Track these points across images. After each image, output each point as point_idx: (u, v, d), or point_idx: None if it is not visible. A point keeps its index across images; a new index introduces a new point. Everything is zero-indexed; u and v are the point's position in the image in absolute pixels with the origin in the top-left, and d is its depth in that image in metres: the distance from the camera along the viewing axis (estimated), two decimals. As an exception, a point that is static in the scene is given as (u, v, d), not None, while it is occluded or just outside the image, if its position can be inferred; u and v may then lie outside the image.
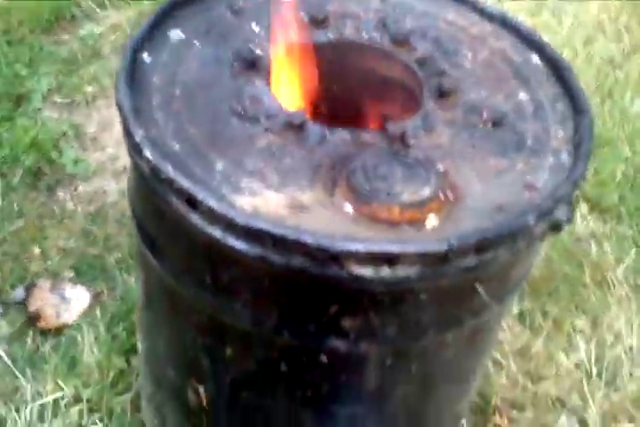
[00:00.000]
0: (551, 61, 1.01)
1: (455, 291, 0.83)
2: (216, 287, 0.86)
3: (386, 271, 0.76)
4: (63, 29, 2.20)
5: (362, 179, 0.81)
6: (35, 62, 2.06)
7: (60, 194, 1.74)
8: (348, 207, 0.81)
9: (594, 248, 1.67)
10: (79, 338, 1.41)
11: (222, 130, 0.87)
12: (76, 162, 1.81)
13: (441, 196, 0.82)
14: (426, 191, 0.80)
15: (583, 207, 1.77)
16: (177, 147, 0.84)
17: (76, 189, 1.76)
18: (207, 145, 0.85)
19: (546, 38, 2.17)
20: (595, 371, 1.45)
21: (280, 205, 0.79)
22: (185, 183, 0.77)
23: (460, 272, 0.79)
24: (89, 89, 2.00)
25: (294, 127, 0.87)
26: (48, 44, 2.13)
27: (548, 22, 2.32)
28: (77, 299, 1.48)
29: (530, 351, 1.47)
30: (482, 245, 0.77)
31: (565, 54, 2.17)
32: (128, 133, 0.83)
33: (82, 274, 1.56)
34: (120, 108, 0.85)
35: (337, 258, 0.75)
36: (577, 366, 1.47)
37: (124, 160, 1.79)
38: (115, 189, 1.74)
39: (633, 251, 1.69)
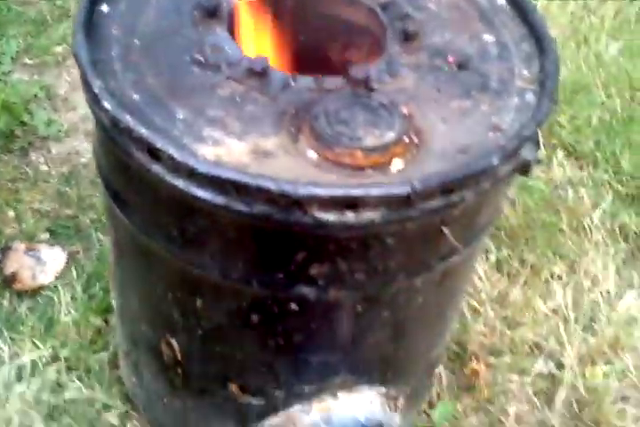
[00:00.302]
0: (516, 3, 0.99)
1: (422, 235, 0.83)
2: (183, 239, 0.85)
3: (350, 216, 0.76)
4: (30, -10, 2.16)
5: (324, 124, 0.80)
6: (2, 24, 2.01)
7: (33, 156, 1.72)
8: (312, 153, 0.80)
9: (570, 195, 1.67)
10: (56, 299, 1.40)
11: (183, 79, 0.86)
12: (48, 124, 1.78)
13: (405, 139, 0.81)
14: (390, 135, 0.80)
15: (560, 154, 1.76)
16: (136, 97, 0.83)
17: (49, 151, 1.74)
18: (168, 95, 0.84)
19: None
20: (572, 316, 1.46)
21: (243, 153, 0.79)
22: (145, 132, 0.76)
23: (425, 215, 0.78)
24: (58, 49, 1.97)
25: (256, 74, 0.86)
26: (15, 4, 2.09)
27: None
28: (53, 260, 1.47)
29: (507, 298, 1.48)
30: (445, 187, 0.77)
31: (540, 0, 2.15)
32: (86, 85, 0.81)
33: (57, 235, 1.55)
34: (77, 60, 0.83)
35: (300, 203, 0.74)
36: (554, 311, 1.48)
37: (96, 120, 1.76)
38: (87, 149, 1.71)
39: (609, 196, 1.69)
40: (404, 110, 0.85)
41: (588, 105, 1.86)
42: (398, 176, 0.79)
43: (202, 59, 0.88)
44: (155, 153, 0.76)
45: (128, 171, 0.84)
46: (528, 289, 1.49)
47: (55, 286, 1.43)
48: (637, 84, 1.94)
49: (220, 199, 0.76)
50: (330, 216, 0.75)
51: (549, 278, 1.52)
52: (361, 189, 0.74)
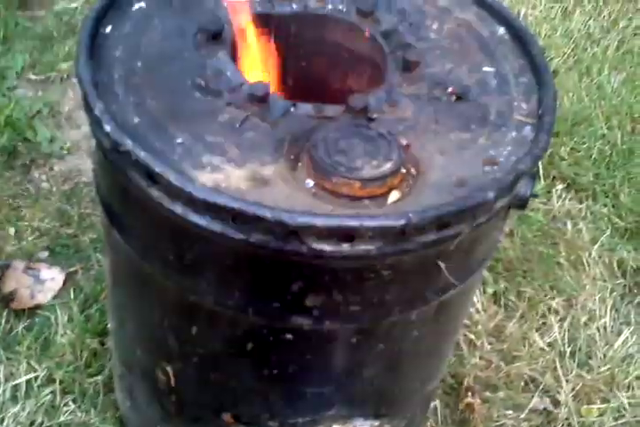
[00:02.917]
0: (517, 34, 1.00)
1: (418, 268, 0.83)
2: (180, 265, 0.85)
3: (346, 246, 0.76)
4: (39, 5, 2.17)
5: (323, 153, 0.80)
6: (9, 39, 2.03)
7: (35, 173, 1.72)
8: (310, 182, 0.80)
9: (569, 227, 1.67)
10: (52, 319, 1.40)
11: (184, 103, 0.86)
12: (51, 141, 1.79)
13: (403, 170, 0.81)
14: (387, 166, 0.80)
15: (559, 186, 1.76)
16: (137, 120, 0.83)
17: (51, 169, 1.74)
18: (168, 119, 0.84)
19: (524, 12, 2.18)
20: (568, 351, 1.46)
21: (241, 180, 0.79)
22: (144, 156, 0.76)
23: (420, 248, 0.78)
24: (64, 66, 1.98)
25: (257, 100, 0.86)
26: (23, 20, 2.10)
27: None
28: (52, 279, 1.47)
29: (504, 332, 1.47)
30: (441, 221, 0.77)
31: (544, 29, 2.16)
32: (88, 107, 0.82)
33: (56, 254, 1.55)
34: (80, 82, 0.83)
35: (296, 233, 0.74)
36: (550, 346, 1.47)
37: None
38: (89, 167, 1.72)
39: (608, 230, 1.69)
40: (403, 141, 0.85)
41: (589, 137, 1.86)
42: (394, 208, 0.79)
43: (203, 83, 0.88)
44: (153, 177, 0.76)
45: (127, 194, 0.84)
46: (525, 323, 1.49)
47: (52, 306, 1.43)
48: (639, 117, 1.95)
49: (216, 226, 0.76)
50: (326, 246, 0.75)
51: (546, 312, 1.52)
52: (357, 221, 0.74)
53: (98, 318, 1.40)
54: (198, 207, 0.76)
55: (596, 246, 1.64)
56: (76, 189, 1.69)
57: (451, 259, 0.84)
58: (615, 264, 1.63)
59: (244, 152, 0.82)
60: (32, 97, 1.90)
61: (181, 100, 0.86)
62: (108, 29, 0.92)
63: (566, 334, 1.49)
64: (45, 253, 1.55)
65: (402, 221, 0.74)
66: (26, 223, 1.59)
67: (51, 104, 1.88)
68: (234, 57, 0.93)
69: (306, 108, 0.87)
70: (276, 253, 0.77)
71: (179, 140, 0.81)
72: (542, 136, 0.85)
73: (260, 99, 0.86)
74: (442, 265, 0.84)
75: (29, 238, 1.56)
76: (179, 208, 0.77)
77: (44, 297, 1.45)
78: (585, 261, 1.61)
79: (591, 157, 1.83)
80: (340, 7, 1.01)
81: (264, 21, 0.97)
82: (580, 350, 1.48)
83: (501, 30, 1.01)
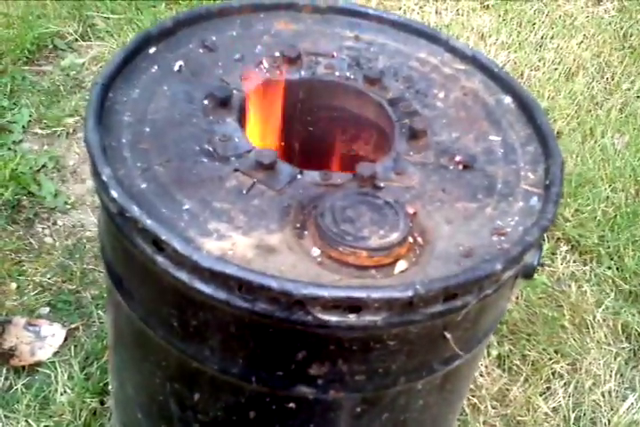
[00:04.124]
0: (523, 103, 1.01)
1: (424, 338, 0.82)
2: (184, 331, 0.84)
3: (352, 317, 0.75)
4: (45, 60, 2.20)
5: (330, 222, 0.80)
6: (16, 93, 2.05)
7: (39, 227, 1.72)
8: (316, 250, 0.80)
9: (573, 290, 1.66)
10: (52, 376, 1.38)
11: (191, 169, 0.86)
12: (55, 195, 1.80)
13: (410, 239, 0.81)
14: (394, 236, 0.80)
15: (564, 248, 1.76)
16: (144, 186, 0.83)
17: (54, 223, 1.74)
18: (175, 185, 0.84)
19: (527, 73, 2.21)
20: (573, 417, 1.43)
21: (247, 248, 0.78)
22: (150, 224, 0.76)
23: (427, 319, 0.78)
24: (70, 121, 1.99)
25: (264, 167, 0.86)
26: (30, 74, 2.13)
27: (530, 58, 2.34)
28: (52, 336, 1.46)
29: (508, 396, 1.45)
30: (448, 292, 0.76)
31: (547, 91, 2.18)
32: (95, 172, 0.82)
33: (58, 310, 1.54)
34: (88, 146, 0.84)
35: (302, 303, 0.74)
36: (555, 411, 1.45)
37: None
38: (93, 222, 1.72)
39: (612, 293, 1.68)
40: (410, 209, 0.85)
41: (593, 199, 1.87)
42: (401, 278, 0.78)
43: (211, 149, 0.89)
44: (159, 245, 0.76)
45: (131, 258, 0.84)
46: (529, 387, 1.47)
47: (53, 363, 1.41)
48: None
49: (222, 294, 0.76)
50: (332, 317, 0.75)
51: (551, 376, 1.50)
52: (363, 292, 0.73)
53: (98, 377, 1.39)
54: (204, 276, 0.75)
55: (600, 309, 1.62)
56: (79, 244, 1.69)
57: (457, 329, 0.84)
58: (620, 328, 1.62)
59: (250, 219, 0.81)
60: (37, 151, 1.91)
61: (189, 166, 0.86)
62: (117, 95, 0.93)
63: (571, 398, 1.47)
64: (47, 309, 1.54)
65: (409, 293, 0.73)
66: (28, 278, 1.59)
67: (56, 158, 1.90)
68: (242, 123, 0.93)
69: (313, 175, 0.87)
70: (281, 323, 0.77)
71: (186, 207, 0.81)
72: (549, 207, 0.85)
73: (266, 166, 0.86)
74: (448, 336, 0.83)
75: (31, 294, 1.55)
76: (184, 276, 0.76)
77: (44, 354, 1.44)
78: (589, 324, 1.60)
79: (595, 218, 1.83)
80: (348, 74, 1.02)
81: (273, 88, 0.98)
82: (584, 415, 1.45)
83: (507, 99, 1.02)
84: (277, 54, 1.02)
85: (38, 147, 1.94)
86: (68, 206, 1.78)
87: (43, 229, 1.73)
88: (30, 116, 1.99)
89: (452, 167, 0.92)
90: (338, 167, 1.07)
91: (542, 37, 2.39)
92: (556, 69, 2.26)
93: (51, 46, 2.22)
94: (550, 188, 0.88)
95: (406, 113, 0.98)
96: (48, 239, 1.70)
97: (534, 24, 2.45)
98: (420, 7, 2.47)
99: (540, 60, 2.30)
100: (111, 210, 0.81)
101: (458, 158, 0.92)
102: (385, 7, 2.46)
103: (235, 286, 0.74)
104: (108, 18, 2.32)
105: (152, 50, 1.00)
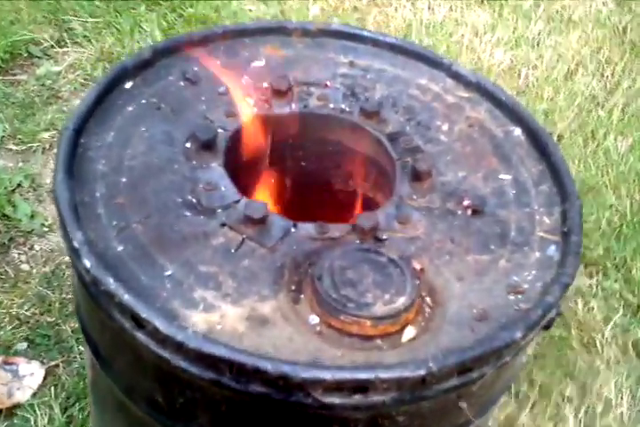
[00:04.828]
0: (533, 135, 0.92)
1: (437, 411, 0.74)
2: (170, 407, 0.76)
3: (357, 398, 0.67)
4: (20, 68, 2.09)
5: (328, 286, 0.72)
6: (-12, 106, 1.95)
7: (14, 253, 1.62)
8: (314, 318, 0.72)
9: (580, 306, 1.59)
10: (32, 421, 1.29)
11: (173, 226, 0.78)
12: (31, 216, 1.69)
13: (418, 302, 0.73)
14: (401, 301, 0.72)
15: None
16: (121, 249, 0.75)
17: (31, 248, 1.64)
18: (156, 245, 0.76)
19: (525, 73, 2.12)
20: (585, 444, 1.37)
21: (238, 320, 0.70)
22: (128, 299, 0.68)
23: (440, 394, 0.70)
24: (46, 135, 1.88)
25: (254, 222, 0.78)
26: (3, 85, 2.02)
27: (527, 56, 2.25)
28: (31, 375, 1.37)
29: (515, 423, 1.38)
30: (464, 366, 0.68)
31: (546, 91, 2.09)
32: (66, 236, 0.73)
33: (36, 346, 1.44)
34: (57, 205, 0.75)
35: (302, 387, 0.66)
36: (566, 437, 1.38)
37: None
38: None
39: (620, 308, 1.60)
40: (416, 264, 0.77)
41: (597, 207, 1.79)
42: (410, 348, 0.70)
43: (194, 201, 0.80)
44: (139, 322, 0.68)
45: (110, 329, 0.75)
46: (537, 413, 1.40)
47: (32, 406, 1.33)
48: None
49: (210, 375, 0.67)
50: (335, 399, 0.67)
51: (560, 401, 1.43)
52: (370, 373, 0.65)
53: (81, 420, 1.30)
54: (190, 355, 0.67)
55: (609, 327, 1.55)
56: (58, 270, 1.59)
57: (472, 397, 0.76)
58: (630, 345, 1.55)
59: (240, 284, 0.73)
60: (12, 169, 1.81)
61: (171, 222, 0.78)
62: (91, 140, 0.84)
63: (582, 424, 1.39)
64: (24, 345, 1.44)
65: (421, 372, 0.66)
66: (3, 311, 1.49)
67: (32, 176, 1.79)
68: (228, 166, 0.85)
69: (307, 228, 0.79)
70: (278, 404, 0.69)
71: (168, 273, 0.73)
72: (570, 260, 0.77)
73: (257, 221, 0.78)
74: (463, 406, 0.75)
75: (7, 328, 1.46)
76: (168, 354, 0.68)
77: (22, 395, 1.35)
78: (598, 343, 1.52)
79: (600, 228, 1.75)
80: (343, 106, 0.94)
81: (261, 124, 0.90)
82: (597, 441, 1.39)
83: (517, 131, 0.93)
84: (266, 85, 0.93)
85: (13, 164, 1.82)
86: (46, 229, 1.68)
87: (19, 254, 1.62)
88: (4, 131, 1.88)
89: (460, 212, 0.83)
90: (333, 205, 0.99)
91: (539, 33, 2.30)
92: (554, 68, 2.17)
93: (25, 54, 2.11)
94: (569, 236, 0.80)
95: (407, 149, 0.90)
96: (24, 266, 1.60)
97: (530, 19, 2.35)
98: (412, 3, 2.37)
99: (537, 58, 2.20)
100: (85, 278, 0.72)
101: (466, 202, 0.84)
102: (376, 4, 2.37)
103: (225, 369, 0.66)
104: (86, 21, 2.20)
105: (128, 85, 0.91)
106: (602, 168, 1.88)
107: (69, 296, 1.52)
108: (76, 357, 1.41)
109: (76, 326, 1.45)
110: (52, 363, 1.41)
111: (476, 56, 2.21)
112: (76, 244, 0.71)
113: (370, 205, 0.94)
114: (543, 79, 2.14)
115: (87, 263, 0.70)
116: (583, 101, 2.08)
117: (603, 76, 2.21)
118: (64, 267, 1.59)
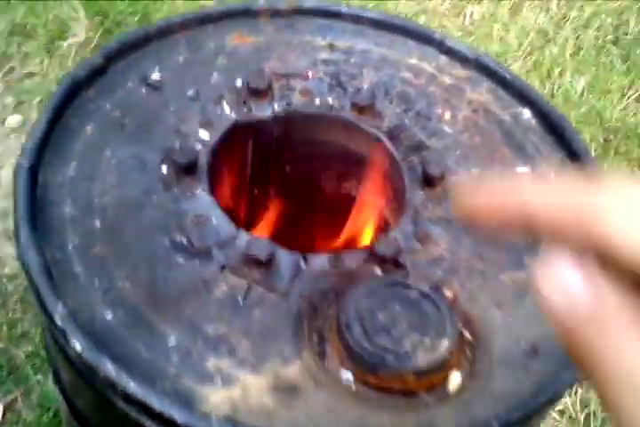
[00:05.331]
0: (546, 118, 0.83)
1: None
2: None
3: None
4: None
5: (359, 335, 0.62)
6: None
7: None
8: (346, 373, 0.63)
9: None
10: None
11: (166, 278, 0.67)
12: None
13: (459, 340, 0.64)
14: (444, 345, 0.62)
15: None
16: (110, 317, 0.63)
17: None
18: (150, 306, 0.65)
19: (469, 12, 1.98)
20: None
21: (263, 392, 0.61)
22: (135, 388, 0.57)
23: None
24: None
25: (259, 262, 0.67)
26: None
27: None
28: (-11, 416, 1.23)
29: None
30: (527, 419, 0.61)
31: (495, 29, 1.97)
32: (44, 310, 0.62)
33: (-12, 377, 1.29)
34: (27, 270, 0.63)
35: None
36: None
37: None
38: (11, 254, 1.41)
39: None
40: (447, 292, 0.68)
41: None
42: (461, 401, 0.62)
43: (185, 240, 0.69)
44: (151, 413, 0.58)
45: (112, 417, 0.65)
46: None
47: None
48: (611, 125, 1.78)
49: (241, 462, 0.58)
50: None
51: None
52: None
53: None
54: (217, 444, 0.58)
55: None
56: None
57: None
58: None
59: (256, 344, 0.63)
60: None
61: (162, 273, 0.67)
62: (48, 175, 0.71)
63: None
64: (-25, 377, 1.30)
65: (485, 437, 0.58)
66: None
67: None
68: (213, 192, 0.73)
69: (320, 262, 0.69)
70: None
71: (172, 343, 0.62)
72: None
73: (262, 262, 0.67)
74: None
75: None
76: (189, 442, 0.59)
77: (-22, 440, 1.22)
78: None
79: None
80: (331, 100, 0.82)
81: (243, 136, 0.78)
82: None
83: (525, 113, 0.83)
84: (239, 84, 0.81)
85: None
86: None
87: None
88: None
89: (483, 223, 0.74)
90: (325, 212, 0.88)
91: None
92: (498, 5, 2.03)
93: None
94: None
95: (411, 147, 0.79)
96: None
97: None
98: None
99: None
100: (72, 359, 0.61)
101: (489, 211, 0.74)
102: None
103: (260, 458, 0.57)
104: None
105: (81, 99, 0.77)
106: (562, 110, 1.79)
107: (17, 315, 1.35)
108: (33, 385, 1.27)
109: (30, 349, 1.30)
110: (10, 397, 1.26)
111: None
112: (58, 320, 0.60)
113: (366, 208, 0.84)
114: (489, 16, 2.01)
115: (77, 346, 0.59)
116: (535, 39, 1.96)
117: (549, 9, 2.09)
118: (5, 280, 1.41)
